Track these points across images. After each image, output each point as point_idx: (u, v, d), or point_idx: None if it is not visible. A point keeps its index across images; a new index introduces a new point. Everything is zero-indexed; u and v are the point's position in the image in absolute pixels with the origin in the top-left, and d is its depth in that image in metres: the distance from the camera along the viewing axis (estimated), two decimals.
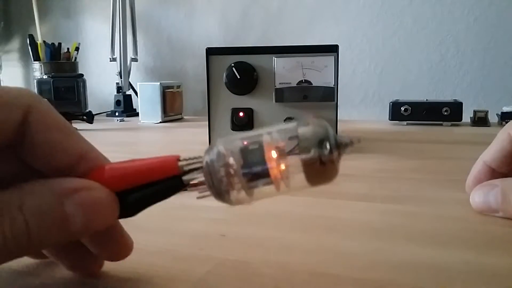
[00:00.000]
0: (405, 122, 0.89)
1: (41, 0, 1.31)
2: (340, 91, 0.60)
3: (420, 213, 0.33)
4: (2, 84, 1.44)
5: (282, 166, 0.20)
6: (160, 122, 1.01)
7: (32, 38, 1.21)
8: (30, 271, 0.24)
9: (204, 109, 0.63)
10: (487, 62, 1.01)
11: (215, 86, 0.60)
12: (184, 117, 1.11)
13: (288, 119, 0.59)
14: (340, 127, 0.61)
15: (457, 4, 1.01)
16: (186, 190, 0.21)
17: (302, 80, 0.58)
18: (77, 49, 1.25)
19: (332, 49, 0.58)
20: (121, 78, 1.17)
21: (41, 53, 1.21)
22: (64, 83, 1.08)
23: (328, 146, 0.19)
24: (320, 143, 0.19)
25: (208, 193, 0.20)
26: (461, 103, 0.86)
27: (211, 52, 0.60)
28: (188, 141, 0.76)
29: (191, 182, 0.20)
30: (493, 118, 0.87)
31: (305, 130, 0.20)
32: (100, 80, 1.35)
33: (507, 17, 0.98)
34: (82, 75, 1.13)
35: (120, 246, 0.22)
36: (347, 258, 0.25)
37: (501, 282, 0.22)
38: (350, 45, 1.10)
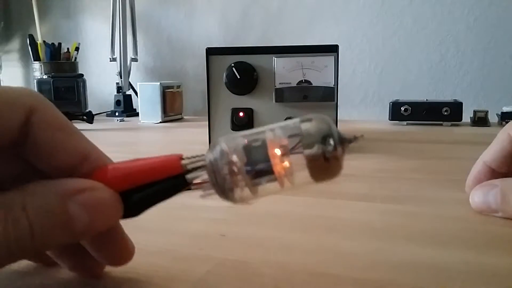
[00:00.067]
0: (405, 122, 0.89)
1: (41, 0, 1.31)
2: (340, 91, 0.60)
3: (420, 213, 0.33)
4: (2, 84, 1.44)
5: (286, 163, 0.20)
6: (160, 122, 1.01)
7: (32, 38, 1.22)
8: (30, 271, 0.24)
9: (204, 109, 0.63)
10: (487, 62, 1.01)
11: (215, 86, 0.60)
12: (184, 117, 1.11)
13: (288, 119, 0.59)
14: (340, 127, 0.60)
15: (457, 4, 1.01)
16: (189, 189, 0.20)
17: (302, 80, 0.58)
18: (77, 49, 1.25)
19: (332, 49, 0.58)
20: (121, 78, 1.17)
21: (41, 53, 1.21)
22: (64, 83, 1.08)
23: (332, 142, 0.19)
24: (324, 139, 0.19)
25: (212, 191, 0.20)
26: (461, 103, 0.86)
27: (211, 52, 0.60)
28: (188, 141, 0.76)
29: (195, 181, 0.20)
30: (493, 118, 0.87)
31: (308, 127, 0.20)
32: (100, 80, 1.35)
33: (507, 17, 0.98)
34: (82, 75, 1.13)
35: (121, 251, 0.22)
36: (347, 258, 0.25)
37: (501, 282, 0.22)
38: (350, 45, 1.10)
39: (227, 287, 0.22)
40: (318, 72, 0.58)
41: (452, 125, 0.86)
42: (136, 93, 1.14)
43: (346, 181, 0.42)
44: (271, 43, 1.12)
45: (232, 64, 0.59)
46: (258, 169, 0.20)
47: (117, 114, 1.15)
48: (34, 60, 1.22)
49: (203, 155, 0.20)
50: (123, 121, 1.08)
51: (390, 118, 0.89)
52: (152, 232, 0.29)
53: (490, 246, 0.27)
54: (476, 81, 1.02)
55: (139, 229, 0.24)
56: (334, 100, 0.58)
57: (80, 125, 0.91)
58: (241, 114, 0.60)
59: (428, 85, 1.06)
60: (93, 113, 0.98)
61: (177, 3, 1.26)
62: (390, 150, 0.61)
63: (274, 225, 0.31)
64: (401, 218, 0.32)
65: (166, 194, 0.21)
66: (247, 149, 0.20)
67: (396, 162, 0.53)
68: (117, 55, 1.17)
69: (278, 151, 0.20)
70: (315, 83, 0.58)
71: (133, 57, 1.20)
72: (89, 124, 0.95)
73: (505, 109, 0.86)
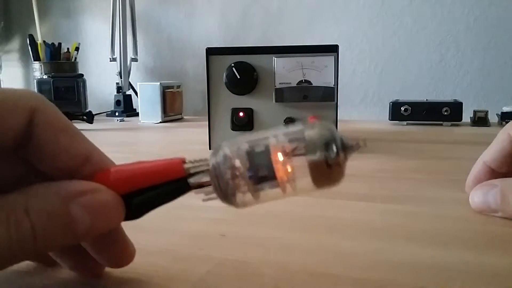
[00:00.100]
0: (405, 122, 0.89)
1: (41, 0, 1.31)
2: (340, 91, 0.60)
3: (420, 213, 0.33)
4: (2, 85, 1.44)
5: (288, 169, 0.20)
6: (160, 122, 1.01)
7: (32, 38, 1.22)
8: (30, 271, 0.24)
9: (204, 109, 0.63)
10: (487, 62, 1.01)
11: (215, 86, 0.60)
12: (184, 117, 1.11)
13: (288, 119, 0.59)
14: (340, 127, 0.61)
15: (457, 4, 1.01)
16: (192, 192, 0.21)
17: (302, 80, 0.58)
18: (77, 49, 1.25)
19: (332, 49, 0.58)
20: (121, 78, 1.17)
21: (41, 53, 1.21)
22: (64, 83, 1.08)
23: (334, 149, 0.19)
24: (327, 146, 0.19)
25: (214, 195, 0.20)
26: (461, 103, 0.86)
27: (211, 52, 0.60)
28: (188, 141, 0.76)
29: (197, 184, 0.20)
30: (493, 118, 0.87)
31: (311, 133, 0.20)
32: (100, 80, 1.35)
33: (507, 17, 0.98)
34: (82, 75, 1.13)
35: (122, 253, 0.22)
36: (347, 258, 0.25)
37: (501, 282, 0.22)
38: (350, 45, 1.10)
39: (227, 287, 0.22)
40: (318, 72, 0.58)
41: (452, 125, 0.86)
42: (136, 93, 1.14)
43: (346, 181, 0.42)
44: (271, 43, 1.12)
45: (232, 64, 0.59)
46: (261, 174, 0.20)
47: (117, 114, 1.15)
48: (34, 60, 1.22)
49: (206, 159, 0.20)
50: (123, 121, 1.08)
51: (390, 118, 0.89)
52: (152, 232, 0.29)
53: (490, 246, 0.27)
54: (476, 81, 1.02)
55: (139, 229, 0.24)
56: (334, 100, 0.58)
57: (80, 125, 0.91)
58: (241, 114, 0.60)
59: (428, 85, 1.06)
60: (93, 113, 0.98)
61: (177, 3, 1.26)
62: (390, 150, 0.61)
63: (274, 225, 0.31)
64: (401, 218, 0.32)
65: (168, 197, 0.21)
66: (250, 154, 0.20)
67: (396, 162, 0.53)
68: (117, 55, 1.17)
69: (280, 157, 0.20)
70: (315, 83, 0.58)
71: (133, 57, 1.20)
72: (89, 124, 0.95)
73: (505, 109, 0.86)
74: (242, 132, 0.59)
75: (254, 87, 0.60)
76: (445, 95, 1.04)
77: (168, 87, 1.03)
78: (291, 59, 0.58)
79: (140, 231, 0.25)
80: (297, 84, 0.58)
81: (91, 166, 0.20)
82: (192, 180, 0.20)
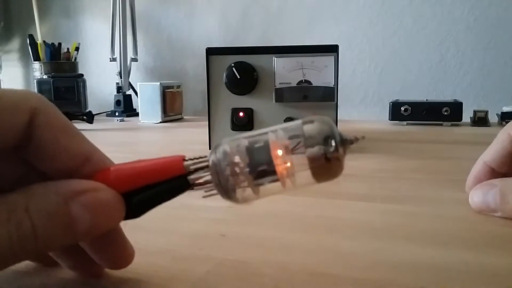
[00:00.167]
0: (405, 122, 0.89)
1: (41, 0, 1.31)
2: (340, 91, 0.60)
3: (420, 213, 0.33)
4: (2, 85, 1.44)
5: (288, 164, 0.20)
6: (160, 122, 1.01)
7: (32, 38, 1.22)
8: (30, 271, 0.24)
9: (204, 109, 0.63)
10: (487, 62, 1.01)
11: (215, 86, 0.60)
12: (184, 117, 1.11)
13: (288, 119, 0.59)
14: (340, 127, 0.61)
15: (457, 4, 1.01)
16: (192, 189, 0.21)
17: (302, 80, 0.58)
18: (77, 49, 1.25)
19: (332, 49, 0.58)
20: (121, 78, 1.17)
21: (41, 53, 1.21)
22: (64, 83, 1.08)
23: (333, 143, 0.19)
24: (325, 140, 0.19)
25: (214, 192, 0.20)
26: (461, 103, 0.86)
27: (211, 52, 0.60)
28: (188, 141, 0.76)
29: (197, 182, 0.20)
30: (493, 118, 0.87)
31: (310, 128, 0.20)
32: (100, 80, 1.35)
33: (507, 17, 0.98)
34: (82, 75, 1.13)
35: (121, 254, 0.22)
36: (347, 258, 0.25)
37: (501, 282, 0.22)
38: (350, 45, 1.10)
39: (227, 287, 0.22)
40: (318, 72, 0.58)
41: (452, 125, 0.86)
42: (136, 93, 1.14)
43: (346, 181, 0.42)
44: (271, 43, 1.12)
45: (232, 64, 0.59)
46: (261, 169, 0.20)
47: (117, 114, 1.15)
48: (34, 60, 1.22)
49: (205, 156, 0.20)
50: (123, 121, 1.08)
51: (390, 118, 0.89)
52: (152, 232, 0.29)
53: (490, 246, 0.27)
54: (476, 81, 1.02)
55: (139, 229, 0.24)
56: (334, 100, 0.58)
57: (80, 125, 0.91)
58: (241, 114, 0.60)
59: (428, 85, 1.06)
60: (93, 113, 0.98)
61: (177, 3, 1.26)
62: (390, 150, 0.61)
63: (274, 225, 0.31)
64: (401, 218, 0.32)
65: (168, 195, 0.21)
66: (250, 150, 0.20)
67: (396, 162, 0.53)
68: (117, 55, 1.17)
69: (280, 152, 0.20)
70: (315, 83, 0.58)
71: (133, 57, 1.20)
72: (89, 124, 0.95)
73: (505, 109, 0.86)
74: (242, 132, 0.59)
75: (254, 87, 0.60)
76: (445, 95, 1.04)
77: (168, 87, 1.03)
78: (291, 59, 0.58)
79: (140, 231, 0.25)
80: (297, 84, 0.58)
81: (91, 166, 0.20)
82: (192, 177, 0.20)
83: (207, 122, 0.61)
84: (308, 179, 0.20)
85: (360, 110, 1.11)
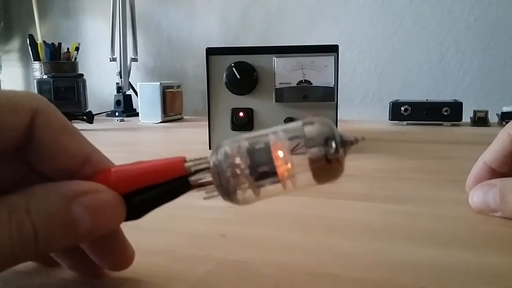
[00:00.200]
0: (405, 122, 0.89)
1: (41, 0, 1.31)
2: (340, 91, 0.60)
3: (420, 213, 0.33)
4: (2, 85, 1.44)
5: (289, 165, 0.20)
6: (160, 122, 1.01)
7: (32, 38, 1.22)
8: (30, 271, 0.24)
9: (204, 109, 0.63)
10: (487, 62, 1.01)
11: (215, 86, 0.60)
12: (184, 117, 1.11)
13: (288, 119, 0.59)
14: (340, 127, 0.61)
15: (457, 4, 1.01)
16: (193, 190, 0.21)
17: (302, 80, 0.58)
18: (77, 49, 1.25)
19: (332, 49, 0.58)
20: (121, 78, 1.17)
21: (41, 53, 1.21)
22: (64, 83, 1.08)
23: (334, 145, 0.19)
24: (326, 142, 0.20)
25: (215, 193, 0.20)
26: (461, 103, 0.86)
27: (211, 52, 0.60)
28: (188, 141, 0.76)
29: (198, 183, 0.20)
30: (493, 118, 0.87)
31: (310, 129, 0.20)
32: (100, 80, 1.35)
33: (507, 17, 0.98)
34: (82, 75, 1.13)
35: (121, 256, 0.22)
36: (347, 258, 0.25)
37: (501, 282, 0.22)
38: (350, 45, 1.10)
39: (227, 287, 0.22)
40: (318, 72, 0.58)
41: (452, 125, 0.86)
42: (136, 93, 1.14)
43: (346, 181, 0.42)
44: (271, 43, 1.12)
45: (232, 64, 0.59)
46: (262, 171, 0.20)
47: (117, 114, 1.15)
48: (34, 60, 1.22)
49: (206, 157, 0.20)
50: (123, 121, 1.08)
51: (390, 118, 0.89)
52: (152, 232, 0.29)
53: (490, 246, 0.27)
54: (476, 81, 1.02)
55: (139, 229, 0.24)
56: (334, 100, 0.58)
57: (80, 125, 0.91)
58: (241, 114, 0.60)
59: (428, 85, 1.06)
60: (93, 113, 0.98)
61: (177, 3, 1.26)
62: (390, 150, 0.61)
63: (274, 225, 0.31)
64: (401, 218, 0.32)
65: (169, 196, 0.21)
66: (251, 152, 0.20)
67: (396, 162, 0.53)
68: (117, 55, 1.17)
69: (281, 153, 0.20)
70: (315, 83, 0.58)
71: (133, 57, 1.20)
72: (89, 124, 0.95)
73: (505, 109, 0.86)
74: (242, 132, 0.59)
75: (254, 87, 0.60)
76: (445, 95, 1.04)
77: (168, 87, 1.03)
78: (291, 59, 0.58)
79: (140, 231, 0.25)
80: (297, 84, 0.58)
81: (90, 166, 0.20)
82: (193, 179, 0.20)
83: (207, 122, 0.61)
84: (309, 180, 0.20)
85: (360, 110, 1.11)
